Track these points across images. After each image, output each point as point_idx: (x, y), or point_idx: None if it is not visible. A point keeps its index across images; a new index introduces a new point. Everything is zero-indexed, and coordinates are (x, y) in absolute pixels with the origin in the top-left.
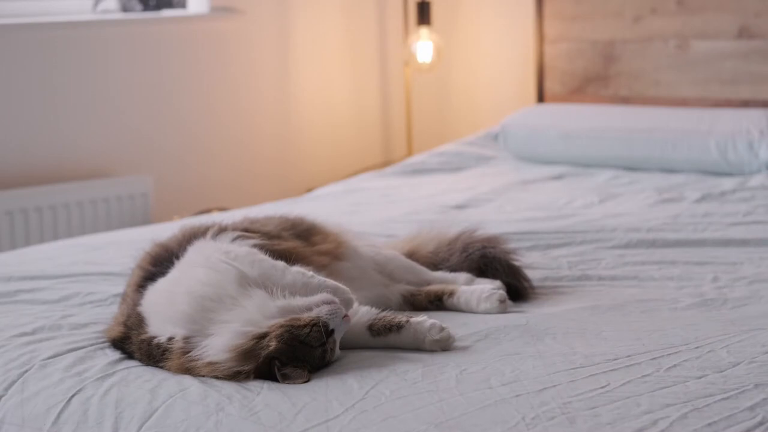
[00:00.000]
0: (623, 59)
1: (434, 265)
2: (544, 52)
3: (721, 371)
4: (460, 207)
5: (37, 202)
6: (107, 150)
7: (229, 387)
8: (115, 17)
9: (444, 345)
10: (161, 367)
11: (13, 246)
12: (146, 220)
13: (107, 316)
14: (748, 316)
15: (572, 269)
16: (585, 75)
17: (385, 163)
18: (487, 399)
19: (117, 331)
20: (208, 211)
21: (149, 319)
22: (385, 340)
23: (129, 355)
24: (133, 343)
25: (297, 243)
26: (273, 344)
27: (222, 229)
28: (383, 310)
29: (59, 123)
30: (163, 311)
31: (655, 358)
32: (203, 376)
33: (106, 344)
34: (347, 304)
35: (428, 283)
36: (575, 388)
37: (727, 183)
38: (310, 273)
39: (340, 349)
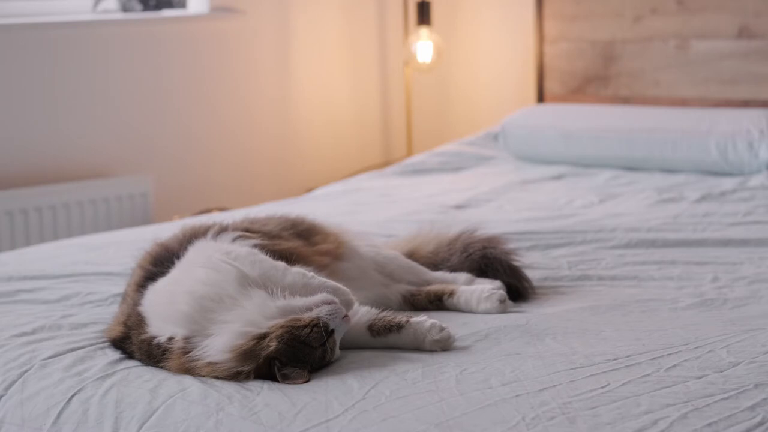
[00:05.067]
0: (623, 59)
1: (434, 265)
2: (544, 52)
3: (721, 371)
4: (460, 207)
5: (37, 202)
6: (107, 150)
7: (229, 387)
8: (115, 17)
9: (444, 345)
10: (161, 367)
11: (13, 246)
12: (146, 220)
13: (107, 316)
14: (748, 316)
15: (572, 269)
16: (585, 75)
17: (385, 163)
18: (487, 399)
19: (117, 330)
20: (208, 211)
21: (149, 318)
22: (385, 340)
23: (129, 355)
24: (133, 343)
25: (297, 243)
26: (273, 344)
27: (222, 229)
28: (383, 310)
29: (59, 123)
30: (164, 311)
31: (655, 358)
32: (203, 376)
33: (106, 344)
34: (347, 304)
35: (428, 283)
36: (575, 388)
37: (727, 183)
38: (311, 273)
39: (340, 349)
